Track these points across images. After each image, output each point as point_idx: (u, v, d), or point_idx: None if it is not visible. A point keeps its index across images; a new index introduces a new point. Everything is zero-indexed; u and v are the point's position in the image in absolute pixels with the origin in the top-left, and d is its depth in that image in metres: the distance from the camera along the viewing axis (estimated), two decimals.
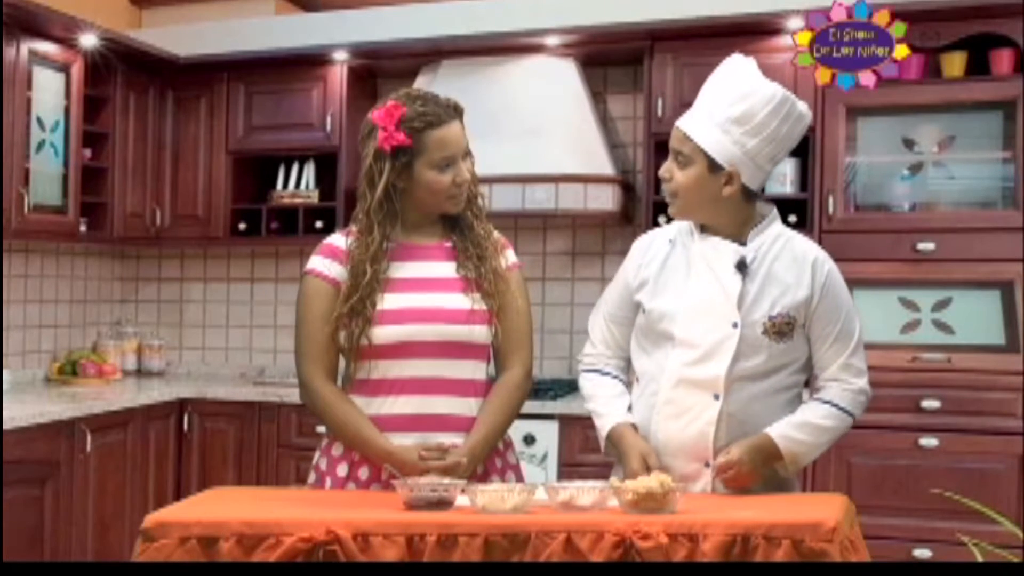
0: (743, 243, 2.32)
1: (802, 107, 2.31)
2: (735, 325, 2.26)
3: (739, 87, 2.28)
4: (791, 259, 2.32)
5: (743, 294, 2.28)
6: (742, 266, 2.29)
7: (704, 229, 2.35)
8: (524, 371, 2.41)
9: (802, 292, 2.28)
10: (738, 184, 2.28)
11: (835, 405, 2.30)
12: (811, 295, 2.29)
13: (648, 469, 2.21)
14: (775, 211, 2.39)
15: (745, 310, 2.27)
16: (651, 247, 2.43)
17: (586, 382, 2.48)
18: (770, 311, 2.27)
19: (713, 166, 2.27)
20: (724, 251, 2.31)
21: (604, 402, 2.41)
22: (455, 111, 2.34)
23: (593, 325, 2.50)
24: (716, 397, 2.26)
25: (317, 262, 2.38)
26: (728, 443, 2.26)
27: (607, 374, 2.45)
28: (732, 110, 2.26)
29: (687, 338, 2.29)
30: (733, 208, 2.31)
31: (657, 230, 2.50)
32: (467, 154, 2.36)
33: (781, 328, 2.27)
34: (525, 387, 2.41)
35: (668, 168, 2.33)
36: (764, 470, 2.27)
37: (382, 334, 2.28)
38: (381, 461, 2.25)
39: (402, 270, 2.34)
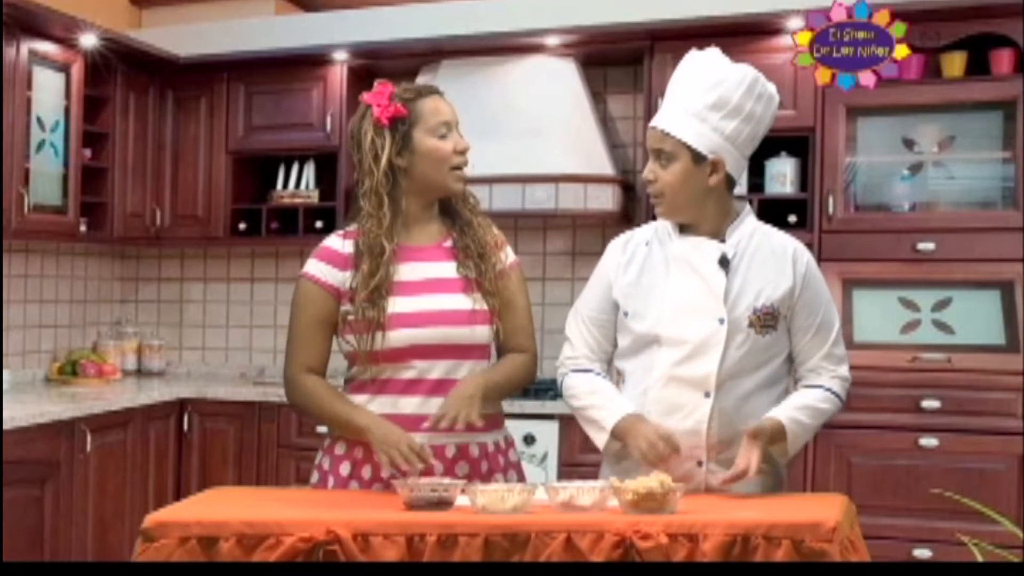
0: (722, 239, 2.32)
1: (771, 87, 2.34)
2: (721, 321, 2.27)
3: (710, 75, 2.29)
4: (770, 252, 2.33)
5: (727, 290, 2.28)
6: (724, 262, 2.29)
7: (683, 229, 2.35)
8: (533, 357, 2.45)
9: (784, 283, 2.30)
10: (723, 173, 2.28)
11: (828, 390, 2.34)
12: (793, 286, 2.30)
13: (665, 445, 2.22)
14: (748, 206, 2.41)
15: (730, 305, 2.28)
16: (627, 248, 2.42)
17: (576, 380, 2.42)
18: (754, 303, 2.28)
19: (696, 158, 2.27)
20: (706, 248, 2.31)
21: (604, 397, 2.37)
22: (436, 91, 2.41)
23: (571, 330, 2.46)
24: (707, 395, 2.27)
25: (313, 266, 2.38)
26: (720, 440, 2.26)
27: (592, 371, 2.42)
28: (707, 97, 2.27)
29: (674, 336, 2.28)
30: (717, 201, 2.32)
31: (631, 232, 2.48)
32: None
33: (765, 320, 2.28)
34: (534, 370, 2.45)
35: (651, 169, 2.32)
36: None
37: (394, 338, 2.29)
38: (360, 435, 2.28)
39: (404, 272, 2.34)
